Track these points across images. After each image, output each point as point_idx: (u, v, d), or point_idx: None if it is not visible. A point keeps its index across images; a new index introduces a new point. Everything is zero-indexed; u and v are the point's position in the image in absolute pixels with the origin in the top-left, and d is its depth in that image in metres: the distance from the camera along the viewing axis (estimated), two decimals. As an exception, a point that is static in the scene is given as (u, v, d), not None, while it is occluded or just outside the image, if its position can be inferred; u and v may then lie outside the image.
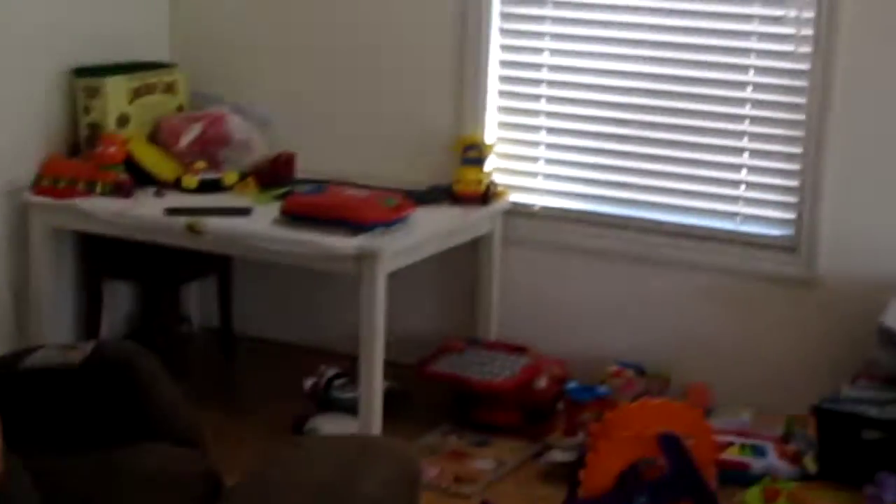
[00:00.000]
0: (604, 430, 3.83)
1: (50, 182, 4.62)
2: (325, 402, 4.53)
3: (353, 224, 4.16)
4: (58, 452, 3.17)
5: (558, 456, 4.15)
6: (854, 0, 4.20)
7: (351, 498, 2.86)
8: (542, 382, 4.48)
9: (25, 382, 3.36)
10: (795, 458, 4.07)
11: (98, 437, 3.24)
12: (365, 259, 4.08)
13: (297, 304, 5.21)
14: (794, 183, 4.41)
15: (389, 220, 4.22)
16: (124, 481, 3.03)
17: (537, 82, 4.82)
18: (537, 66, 4.81)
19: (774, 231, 4.50)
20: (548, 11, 4.76)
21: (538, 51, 4.80)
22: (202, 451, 3.33)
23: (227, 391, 4.98)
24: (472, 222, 4.67)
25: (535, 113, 4.84)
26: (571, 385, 4.38)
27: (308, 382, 4.57)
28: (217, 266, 5.12)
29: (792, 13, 4.33)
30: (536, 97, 4.83)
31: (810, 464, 4.00)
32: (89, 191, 4.58)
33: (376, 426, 4.14)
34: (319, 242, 4.12)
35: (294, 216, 4.27)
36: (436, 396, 4.65)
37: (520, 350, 4.65)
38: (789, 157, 4.42)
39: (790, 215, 4.44)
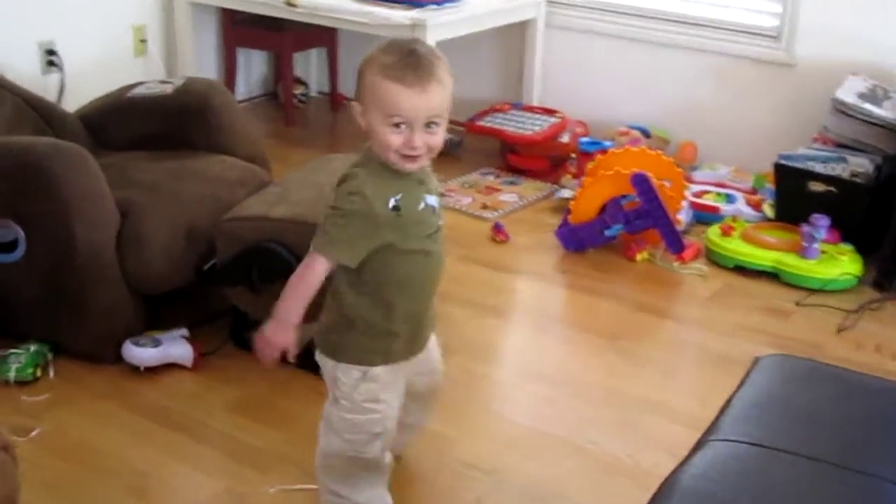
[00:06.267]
0: (593, 171, 3.82)
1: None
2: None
3: (410, 0, 4.10)
4: (146, 158, 3.28)
5: (565, 193, 4.12)
6: None
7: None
8: (566, 137, 4.43)
9: (130, 107, 3.46)
10: (758, 206, 4.01)
11: (181, 150, 3.33)
12: (417, 27, 4.00)
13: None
14: (781, -20, 4.19)
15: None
16: (187, 177, 3.12)
17: None
18: None
19: (762, 21, 4.30)
20: None
21: None
22: (264, 168, 3.40)
23: (329, 135, 5.02)
24: (517, 6, 4.50)
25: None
26: (584, 139, 4.33)
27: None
28: (324, 40, 5.10)
29: None
30: None
31: (769, 210, 3.94)
32: (221, -26, 4.56)
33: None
34: (381, 14, 4.07)
35: (367, -6, 4.23)
36: (486, 147, 4.62)
37: (551, 112, 4.56)
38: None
39: (777, 9, 4.22)
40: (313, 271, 2.05)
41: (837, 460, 1.65)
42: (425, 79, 1.94)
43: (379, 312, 2.12)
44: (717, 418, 1.81)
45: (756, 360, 2.01)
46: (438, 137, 2.00)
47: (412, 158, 1.99)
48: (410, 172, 2.03)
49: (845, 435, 1.72)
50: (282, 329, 2.07)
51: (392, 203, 2.01)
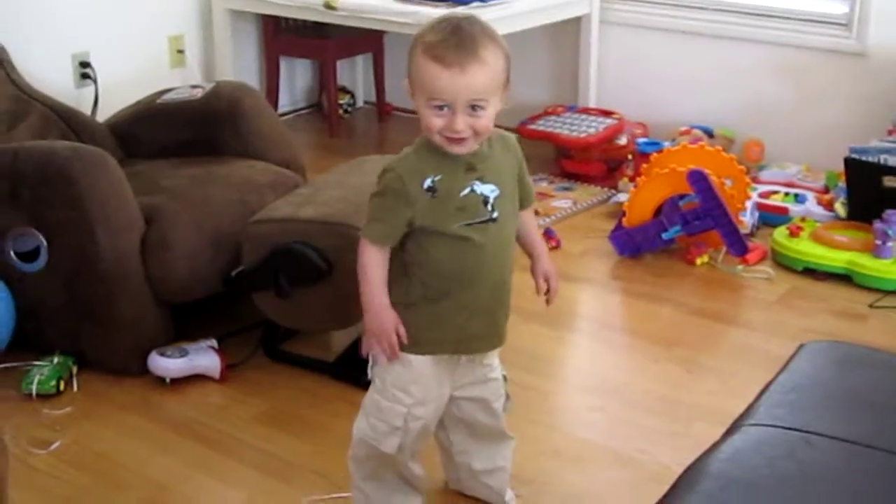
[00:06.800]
0: (647, 170, 3.79)
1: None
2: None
3: (453, -1, 4.13)
4: (175, 165, 3.34)
5: (622, 198, 4.09)
6: None
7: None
8: (623, 140, 4.41)
9: (160, 113, 3.53)
10: (830, 205, 3.95)
11: (211, 156, 3.38)
12: (460, 26, 4.02)
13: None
14: (849, -36, 4.15)
15: (485, -4, 4.16)
16: (214, 181, 3.17)
17: None
18: None
19: (830, 8, 4.26)
20: None
21: None
22: (299, 173, 3.44)
23: (376, 147, 5.02)
24: (568, 1, 4.49)
25: None
26: (641, 140, 4.30)
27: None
28: (370, 46, 5.15)
29: None
30: None
31: (841, 209, 3.88)
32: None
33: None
34: (425, 13, 4.06)
35: (409, -5, 4.26)
36: (540, 153, 4.57)
37: (608, 114, 4.55)
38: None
39: (846, -6, 4.20)
40: (362, 254, 2.12)
41: (877, 444, 1.61)
42: (465, 58, 1.96)
43: (421, 296, 2.14)
44: (753, 403, 1.79)
45: (800, 346, 1.98)
46: (484, 120, 2.02)
47: (457, 141, 2.03)
48: (458, 156, 2.06)
49: (889, 419, 1.68)
50: (376, 315, 2.12)
51: (427, 183, 2.06)
